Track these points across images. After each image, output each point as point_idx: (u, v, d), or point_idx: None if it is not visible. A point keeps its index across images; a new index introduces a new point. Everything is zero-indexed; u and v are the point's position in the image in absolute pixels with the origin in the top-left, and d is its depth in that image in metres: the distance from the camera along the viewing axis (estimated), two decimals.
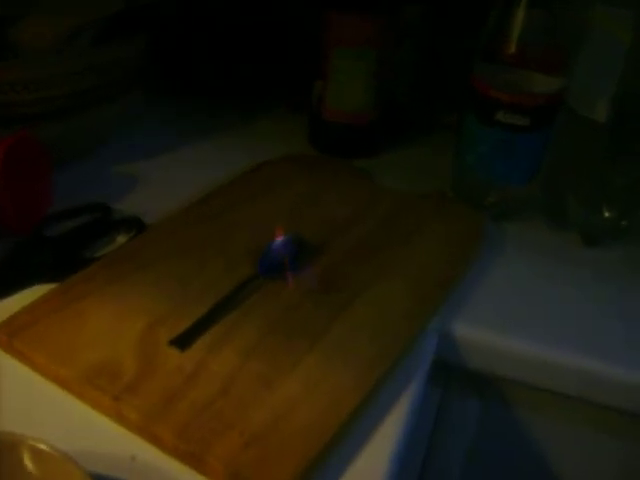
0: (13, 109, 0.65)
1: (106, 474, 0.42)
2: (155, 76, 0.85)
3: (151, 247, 0.60)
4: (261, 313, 0.53)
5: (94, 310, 0.53)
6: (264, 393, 0.47)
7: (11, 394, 0.48)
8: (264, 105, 0.93)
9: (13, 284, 0.56)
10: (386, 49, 0.77)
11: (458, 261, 0.63)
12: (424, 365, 0.54)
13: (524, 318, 0.59)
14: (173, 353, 0.49)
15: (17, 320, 0.51)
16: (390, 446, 0.46)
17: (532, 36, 0.65)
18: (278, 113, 0.92)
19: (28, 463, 0.39)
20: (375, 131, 0.82)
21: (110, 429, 0.45)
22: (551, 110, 0.67)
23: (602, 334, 0.58)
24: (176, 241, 0.61)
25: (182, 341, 0.50)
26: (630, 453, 0.64)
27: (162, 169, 0.76)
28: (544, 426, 0.65)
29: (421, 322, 0.55)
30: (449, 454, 0.70)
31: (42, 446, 0.39)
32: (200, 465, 0.42)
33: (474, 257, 0.64)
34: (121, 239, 0.64)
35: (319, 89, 0.79)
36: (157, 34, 0.78)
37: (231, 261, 0.59)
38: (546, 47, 0.66)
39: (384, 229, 0.66)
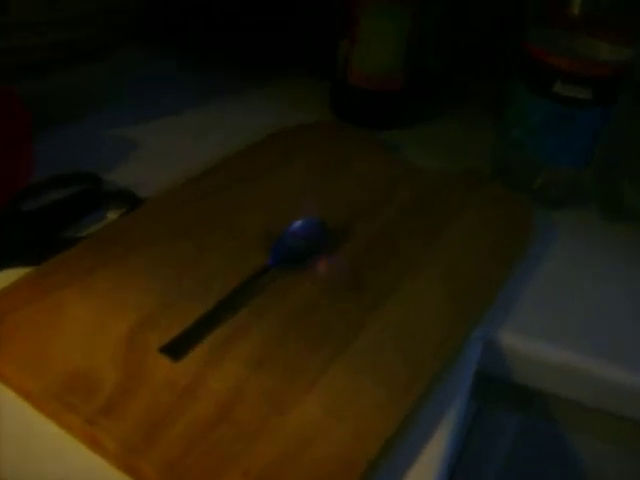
0: None
1: None
2: (154, 29, 0.74)
3: (144, 227, 0.51)
4: (273, 314, 0.44)
5: (73, 304, 0.44)
6: (275, 418, 0.38)
7: None
8: (280, 67, 0.83)
9: None
10: (420, 8, 0.67)
11: (504, 256, 0.54)
12: (467, 380, 0.45)
13: (578, 327, 0.51)
14: (163, 363, 0.40)
15: None
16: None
17: None
18: (296, 77, 0.82)
19: None
20: (404, 99, 0.72)
21: (84, 458, 0.37)
22: (617, 83, 0.58)
23: None
24: (174, 221, 0.52)
25: (175, 348, 0.41)
26: None
27: (161, 136, 0.67)
28: (589, 446, 0.57)
29: (465, 329, 0.46)
30: (481, 468, 0.62)
31: None
32: None
33: (523, 252, 0.55)
34: (112, 215, 0.55)
35: (344, 50, 0.69)
36: None
37: (238, 248, 0.50)
38: (614, 11, 0.56)
39: (414, 214, 0.57)
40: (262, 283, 0.46)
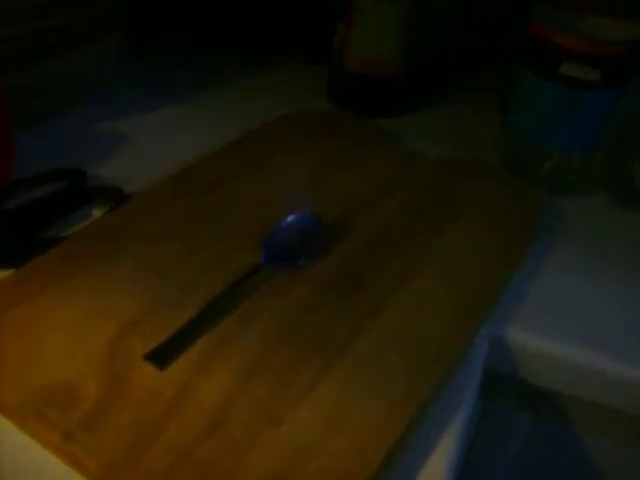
0: None
1: None
2: (140, 16, 0.71)
3: (129, 226, 0.48)
4: (265, 318, 0.42)
5: (53, 309, 0.41)
6: (267, 431, 0.35)
7: None
8: (276, 55, 0.80)
9: None
10: None
11: (511, 251, 0.50)
12: (474, 379, 0.43)
13: (587, 323, 0.48)
14: (148, 372, 0.38)
15: None
16: None
17: None
18: (291, 64, 0.79)
19: None
20: (405, 85, 0.69)
21: (63, 476, 0.34)
22: (628, 63, 0.55)
23: None
24: (160, 219, 0.49)
25: (160, 356, 0.38)
26: None
27: (148, 129, 0.64)
28: (601, 445, 0.54)
29: (469, 330, 0.43)
30: (490, 468, 0.59)
31: None
32: None
33: (529, 244, 0.52)
34: (97, 212, 0.52)
35: (341, 34, 0.65)
36: None
37: (228, 247, 0.47)
38: None
39: (416, 208, 0.54)
40: (254, 284, 0.44)
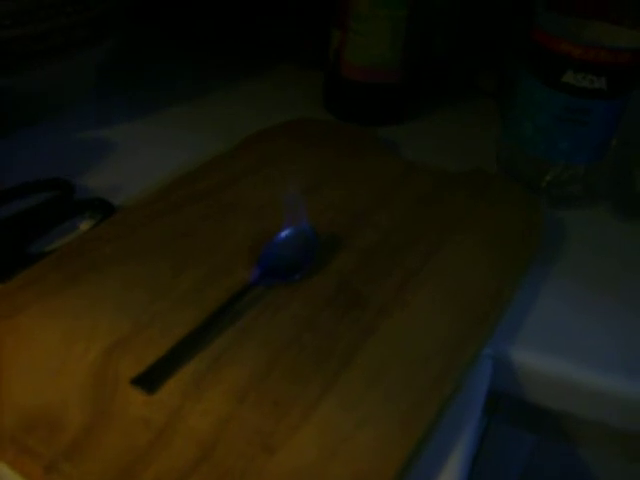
0: None
1: None
2: (130, 22, 0.69)
3: (118, 239, 0.46)
4: (260, 337, 0.40)
5: (36, 329, 0.39)
6: (263, 459, 0.33)
7: None
8: (272, 61, 0.78)
9: None
10: None
11: (513, 265, 0.48)
12: (478, 402, 0.41)
13: (594, 342, 0.46)
14: (136, 397, 0.35)
15: None
16: None
17: None
18: (287, 70, 0.77)
19: None
20: (403, 93, 0.67)
21: None
22: (634, 71, 0.53)
23: None
24: (149, 233, 0.47)
25: (149, 380, 0.36)
26: None
27: (138, 138, 0.62)
28: (607, 466, 0.52)
29: (473, 349, 0.41)
30: None
31: None
32: None
33: (532, 259, 0.50)
34: (84, 226, 0.50)
35: (337, 40, 0.64)
36: None
37: (222, 261, 0.45)
38: None
39: (415, 220, 0.52)
40: (248, 301, 0.42)
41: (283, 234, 0.45)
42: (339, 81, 0.66)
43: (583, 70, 0.52)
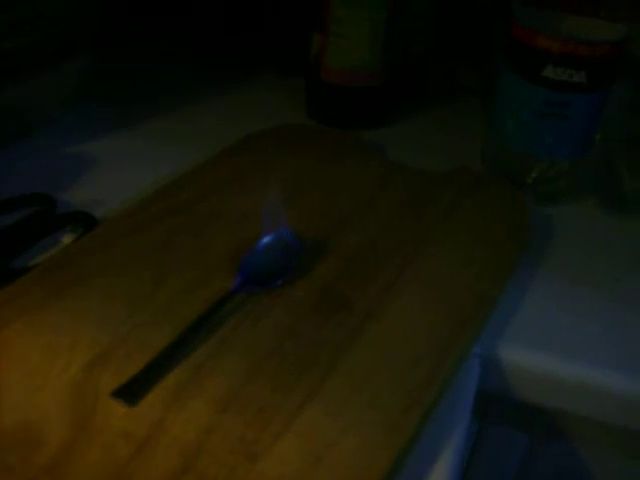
0: None
1: None
2: (109, 32, 0.69)
3: (100, 252, 0.46)
4: (242, 345, 0.39)
5: (17, 343, 0.39)
6: (245, 468, 0.32)
7: None
8: (251, 68, 0.78)
9: None
10: None
11: (500, 262, 0.48)
12: (467, 403, 0.40)
13: (583, 338, 0.46)
14: (117, 410, 0.35)
15: None
16: None
17: None
18: (269, 79, 0.76)
19: None
20: (384, 95, 0.67)
21: None
22: (612, 64, 0.53)
23: None
24: (133, 242, 0.47)
25: (130, 391, 0.36)
26: None
27: (121, 150, 0.61)
28: (602, 463, 0.52)
29: (460, 352, 0.41)
30: None
31: None
32: None
33: (518, 256, 0.50)
34: (67, 240, 0.49)
35: (316, 44, 0.63)
36: None
37: (204, 270, 0.45)
38: None
39: (401, 222, 0.51)
40: (230, 309, 0.41)
41: (264, 241, 0.45)
42: (320, 86, 0.65)
43: (562, 64, 0.52)
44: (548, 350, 0.44)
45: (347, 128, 0.64)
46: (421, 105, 0.72)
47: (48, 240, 0.49)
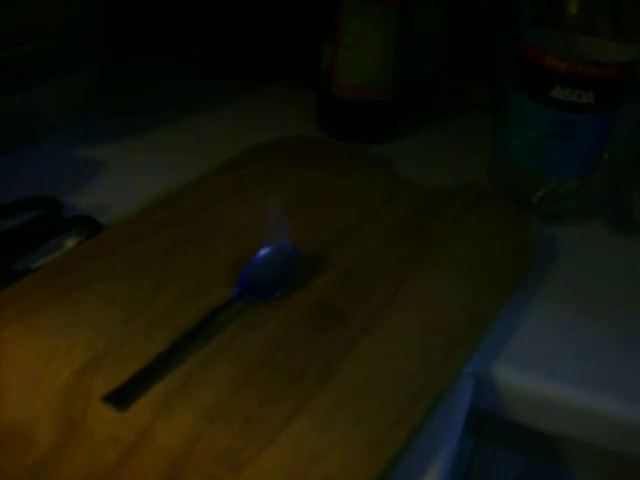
0: None
1: None
2: (116, 42, 0.69)
3: (101, 257, 0.47)
4: (235, 355, 0.39)
5: (14, 345, 0.39)
6: (229, 478, 0.33)
7: None
8: (265, 78, 0.78)
9: None
10: (409, 11, 0.62)
11: (501, 282, 0.48)
12: (458, 422, 0.40)
13: (580, 360, 0.45)
14: (107, 415, 0.35)
15: None
16: None
17: None
18: (281, 89, 0.77)
19: None
20: (394, 110, 0.67)
21: None
22: (621, 85, 0.53)
23: None
24: (135, 249, 0.47)
25: (121, 397, 0.36)
26: None
27: (125, 158, 0.62)
28: None
29: (451, 370, 0.40)
30: None
31: None
32: None
33: (520, 276, 0.49)
34: (70, 243, 0.50)
35: (328, 58, 0.64)
36: None
37: (203, 279, 0.45)
38: (616, 6, 0.51)
39: (401, 237, 0.51)
40: (225, 319, 0.42)
41: (264, 252, 0.45)
42: (330, 99, 0.66)
43: (570, 85, 0.51)
44: (542, 372, 0.44)
45: (356, 142, 0.65)
46: (430, 120, 0.72)
47: (52, 243, 0.50)
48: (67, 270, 0.45)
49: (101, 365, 0.38)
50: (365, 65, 0.63)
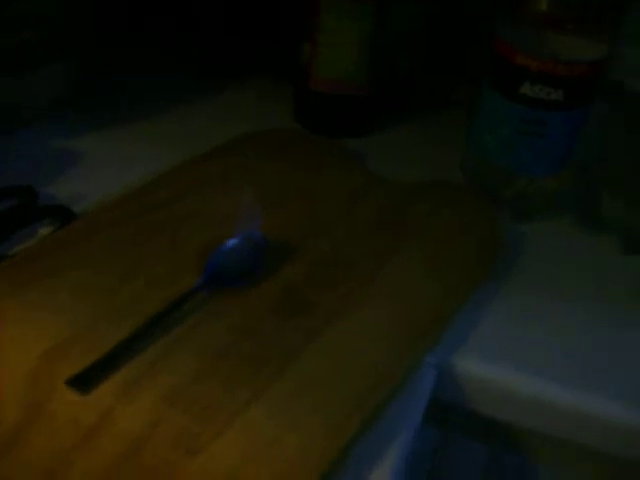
0: None
1: None
2: (99, 36, 0.69)
3: (73, 245, 0.47)
4: (198, 342, 0.40)
5: None
6: (183, 461, 0.33)
7: None
8: (244, 72, 0.78)
9: None
10: (385, 8, 0.62)
11: (467, 276, 0.49)
12: (417, 410, 0.41)
13: (545, 352, 0.46)
14: (71, 397, 0.36)
15: None
16: None
17: None
18: (260, 83, 0.77)
19: None
20: (371, 105, 0.68)
21: None
22: (590, 83, 0.53)
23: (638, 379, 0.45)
24: (107, 238, 0.48)
25: (84, 381, 0.37)
26: None
27: (107, 149, 0.62)
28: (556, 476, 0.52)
29: (412, 360, 0.41)
30: None
31: None
32: None
33: (487, 271, 0.50)
34: (44, 232, 0.51)
35: (306, 53, 0.64)
36: None
37: (172, 269, 0.46)
38: (586, 4, 0.52)
39: (371, 231, 0.52)
40: (192, 307, 0.42)
41: (232, 241, 0.46)
42: (307, 93, 0.66)
43: (540, 82, 0.52)
44: (503, 363, 0.45)
45: (332, 136, 0.65)
46: (408, 117, 0.73)
47: (26, 232, 0.50)
48: (38, 258, 0.46)
49: (67, 351, 0.39)
50: (341, 61, 0.63)
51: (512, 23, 0.54)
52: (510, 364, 0.45)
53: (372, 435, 0.38)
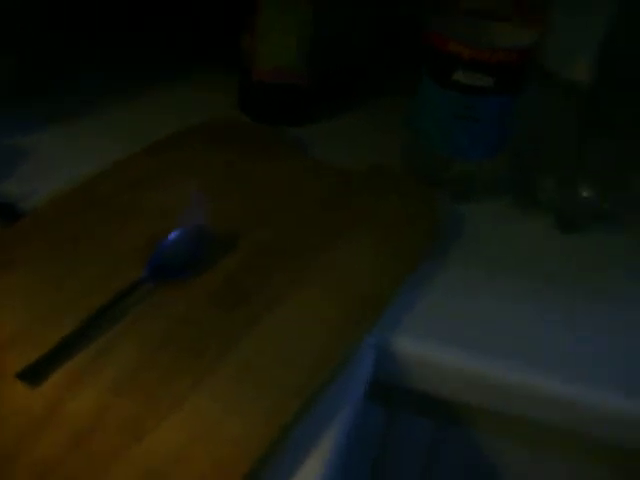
0: None
1: None
2: (44, 31, 0.70)
3: (19, 241, 0.48)
4: (144, 332, 0.42)
5: None
6: (129, 446, 0.35)
7: None
8: (187, 63, 0.79)
9: None
10: None
11: (404, 257, 0.51)
12: (357, 389, 0.43)
13: (482, 329, 0.49)
14: (20, 390, 0.37)
15: None
16: None
17: None
18: (205, 73, 0.78)
19: None
20: (312, 94, 0.69)
21: None
22: (520, 69, 0.56)
23: (570, 350, 0.48)
24: (52, 234, 0.49)
25: (33, 373, 0.38)
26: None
27: (55, 144, 0.63)
28: (507, 451, 0.55)
29: (351, 338, 0.43)
30: (400, 477, 0.59)
31: None
32: None
33: (425, 251, 0.53)
34: None
35: (247, 43, 0.66)
36: None
37: (115, 262, 0.47)
38: None
39: (313, 219, 0.54)
40: (136, 299, 0.44)
41: (175, 233, 0.47)
42: (250, 83, 0.68)
43: (472, 69, 0.54)
44: (440, 341, 0.47)
45: (274, 125, 0.67)
46: (355, 104, 0.74)
47: None
48: None
49: (17, 344, 0.40)
50: (281, 51, 0.65)
51: (444, 12, 0.56)
52: (447, 341, 0.47)
53: (314, 415, 0.39)
